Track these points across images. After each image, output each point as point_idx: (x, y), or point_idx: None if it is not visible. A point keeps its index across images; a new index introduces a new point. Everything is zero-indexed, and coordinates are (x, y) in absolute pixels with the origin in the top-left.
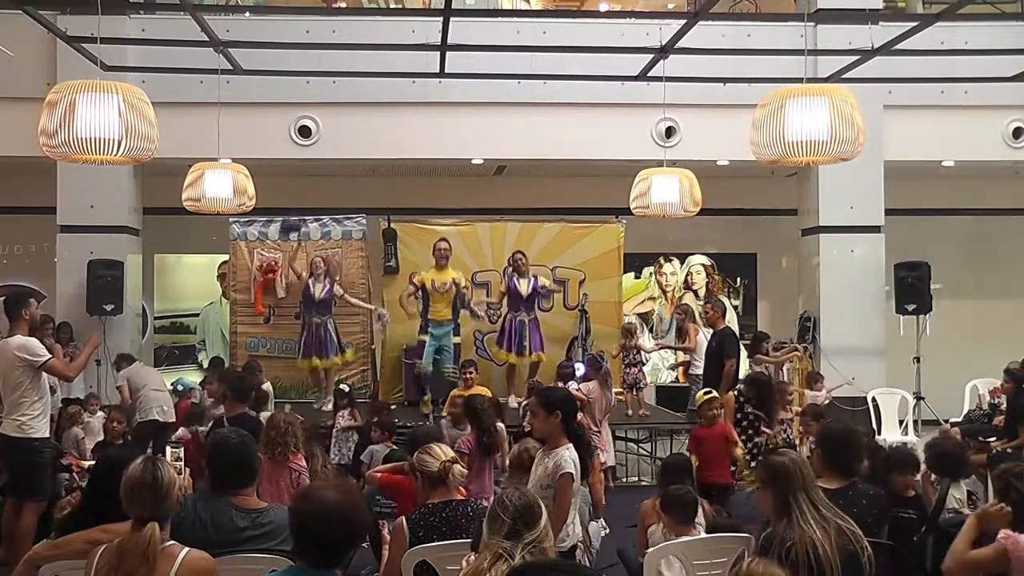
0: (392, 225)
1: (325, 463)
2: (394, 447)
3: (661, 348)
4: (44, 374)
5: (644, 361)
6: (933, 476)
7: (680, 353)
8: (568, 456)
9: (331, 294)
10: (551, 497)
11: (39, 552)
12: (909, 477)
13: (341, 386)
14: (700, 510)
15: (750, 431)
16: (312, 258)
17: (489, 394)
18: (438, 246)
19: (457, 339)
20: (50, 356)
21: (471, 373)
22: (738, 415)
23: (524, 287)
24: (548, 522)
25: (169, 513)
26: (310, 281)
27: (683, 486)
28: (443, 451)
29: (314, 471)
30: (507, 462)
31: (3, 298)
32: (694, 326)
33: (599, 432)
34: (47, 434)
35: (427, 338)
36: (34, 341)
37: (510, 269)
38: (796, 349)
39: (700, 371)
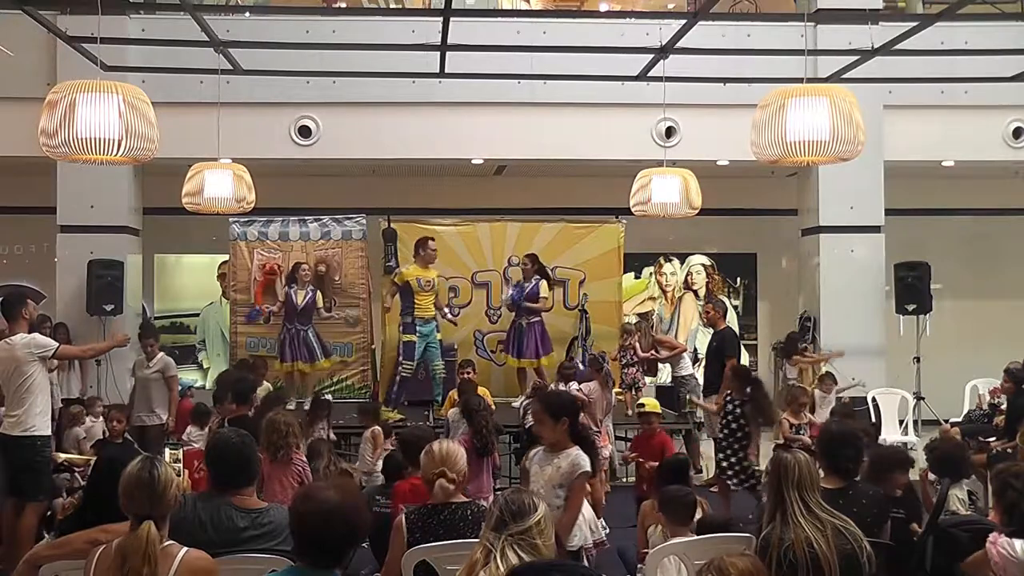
0: (392, 225)
1: (330, 463)
2: (393, 448)
3: (653, 358)
4: (48, 372)
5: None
6: (932, 476)
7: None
8: (584, 456)
9: (313, 303)
10: (563, 498)
11: (39, 552)
12: (905, 476)
13: (325, 396)
14: (700, 510)
15: (738, 434)
16: (300, 265)
17: (488, 394)
18: (429, 245)
19: (439, 335)
20: (58, 344)
21: (469, 373)
22: (725, 418)
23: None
24: (547, 521)
25: (166, 512)
26: (291, 290)
27: (682, 487)
28: (441, 455)
29: (316, 471)
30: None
31: (1, 299)
32: (658, 337)
33: (600, 432)
34: (48, 432)
35: (415, 338)
36: (39, 335)
37: (520, 274)
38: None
39: (686, 372)
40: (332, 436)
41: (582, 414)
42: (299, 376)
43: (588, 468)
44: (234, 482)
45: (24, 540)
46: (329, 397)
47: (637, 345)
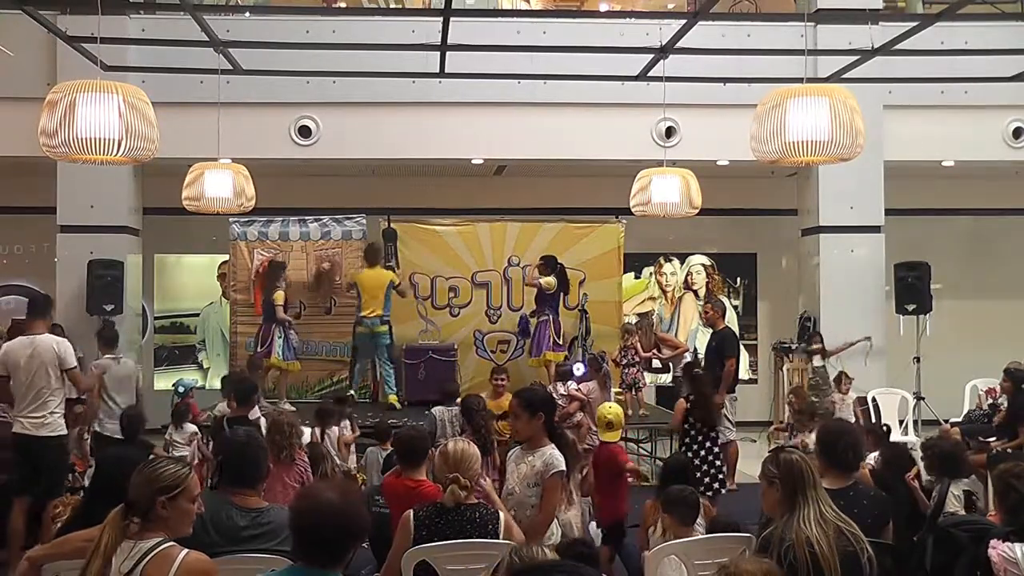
0: (392, 225)
1: (335, 466)
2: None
3: (655, 357)
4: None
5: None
6: (926, 476)
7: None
8: (558, 455)
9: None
10: (537, 495)
11: (39, 551)
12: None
13: (349, 393)
14: (702, 511)
15: (699, 437)
16: (285, 266)
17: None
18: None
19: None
20: (75, 365)
21: (503, 380)
22: (686, 424)
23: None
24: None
25: (154, 507)
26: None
27: (685, 487)
28: (455, 458)
29: (323, 474)
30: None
31: (30, 299)
32: (661, 335)
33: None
34: (65, 431)
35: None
36: (68, 343)
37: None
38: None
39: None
40: (348, 435)
41: (583, 414)
42: (275, 375)
43: (562, 467)
44: (234, 481)
45: (48, 537)
46: (353, 393)
47: (638, 345)
